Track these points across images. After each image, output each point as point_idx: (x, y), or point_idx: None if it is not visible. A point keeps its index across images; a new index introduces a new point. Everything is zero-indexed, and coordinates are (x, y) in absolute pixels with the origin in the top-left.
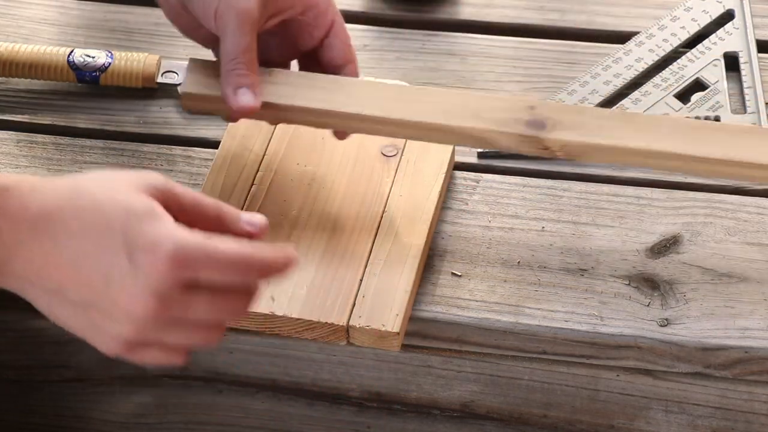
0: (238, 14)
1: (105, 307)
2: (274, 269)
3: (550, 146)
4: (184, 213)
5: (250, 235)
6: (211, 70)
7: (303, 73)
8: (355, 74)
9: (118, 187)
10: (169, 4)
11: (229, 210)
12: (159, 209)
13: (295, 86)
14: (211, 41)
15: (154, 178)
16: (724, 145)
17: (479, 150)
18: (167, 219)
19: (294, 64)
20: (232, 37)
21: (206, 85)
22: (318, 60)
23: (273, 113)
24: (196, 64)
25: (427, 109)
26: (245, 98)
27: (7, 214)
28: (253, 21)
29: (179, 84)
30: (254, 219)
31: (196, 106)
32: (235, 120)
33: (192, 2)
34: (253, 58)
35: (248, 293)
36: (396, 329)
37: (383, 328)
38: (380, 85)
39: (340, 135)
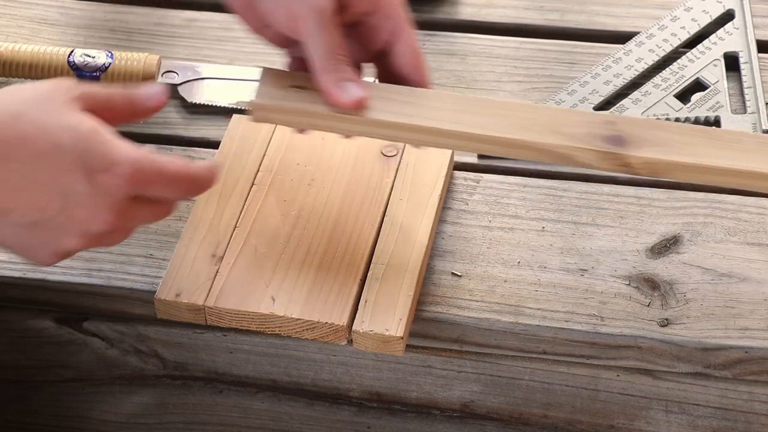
0: (321, 16)
1: (57, 225)
2: (206, 185)
3: (631, 163)
4: (104, 111)
5: (158, 107)
6: (283, 80)
7: (377, 84)
8: (424, 80)
9: (54, 108)
10: (233, 3)
11: (135, 95)
12: (101, 126)
13: (371, 98)
14: (281, 42)
15: (71, 86)
16: None
17: None
18: (112, 135)
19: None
20: (320, 37)
21: (279, 96)
22: (387, 65)
23: (345, 126)
24: (269, 73)
25: (504, 124)
26: (353, 91)
27: None
28: (333, 16)
29: (179, 84)
30: (156, 92)
31: (267, 117)
32: (303, 131)
33: (263, 3)
34: (345, 54)
35: (173, 203)
36: (400, 334)
37: (387, 333)
38: (457, 98)
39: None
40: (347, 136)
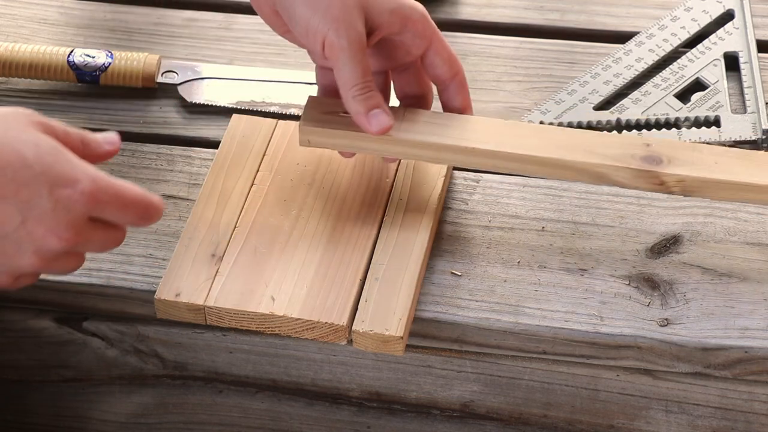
0: (352, 43)
1: (14, 241)
2: (156, 215)
3: (666, 181)
4: (59, 142)
5: (111, 153)
6: (326, 106)
7: (415, 109)
8: (464, 85)
9: (17, 126)
10: (260, 9)
11: (90, 135)
12: (62, 146)
13: (409, 121)
14: (304, 45)
15: (31, 113)
16: None
17: None
18: (73, 155)
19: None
20: (351, 65)
21: (324, 120)
22: (417, 75)
23: (385, 146)
24: (314, 100)
25: (541, 144)
26: (381, 118)
27: None
28: (364, 45)
29: (179, 84)
30: (110, 138)
31: (312, 141)
32: (348, 156)
33: (293, 22)
34: (373, 80)
35: (125, 230)
36: (400, 333)
37: (387, 333)
38: (493, 122)
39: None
40: (392, 159)
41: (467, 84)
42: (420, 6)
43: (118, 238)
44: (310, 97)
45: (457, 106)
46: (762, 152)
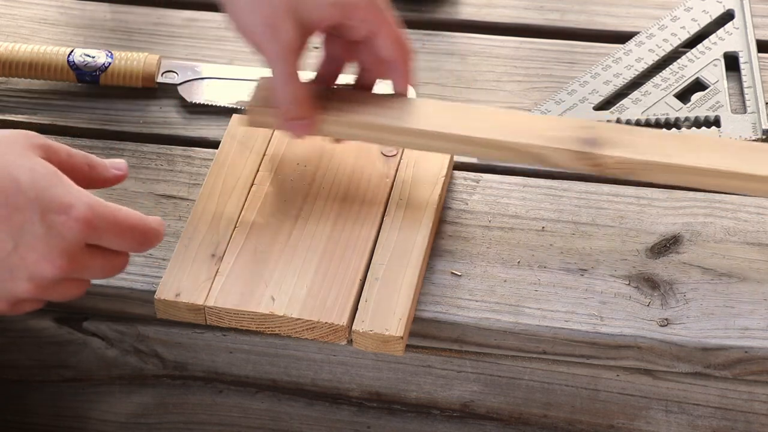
0: (280, 49)
1: (8, 267)
2: (156, 240)
3: (603, 162)
4: (61, 166)
5: (119, 178)
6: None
7: (361, 91)
8: (406, 71)
9: (14, 150)
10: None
11: (96, 159)
12: (59, 171)
13: (354, 102)
14: None
15: (33, 135)
16: None
17: None
18: (70, 181)
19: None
20: (279, 70)
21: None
22: (372, 56)
23: (334, 128)
24: (265, 81)
25: (483, 127)
26: (301, 129)
27: None
28: (294, 50)
29: (179, 84)
30: (118, 164)
31: (259, 122)
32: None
33: (235, 20)
34: (302, 85)
35: (127, 255)
36: (400, 333)
37: (387, 333)
38: (437, 104)
39: (339, 140)
40: (336, 141)
41: (412, 70)
42: None
43: (120, 264)
44: (262, 77)
45: (397, 89)
46: (701, 135)
